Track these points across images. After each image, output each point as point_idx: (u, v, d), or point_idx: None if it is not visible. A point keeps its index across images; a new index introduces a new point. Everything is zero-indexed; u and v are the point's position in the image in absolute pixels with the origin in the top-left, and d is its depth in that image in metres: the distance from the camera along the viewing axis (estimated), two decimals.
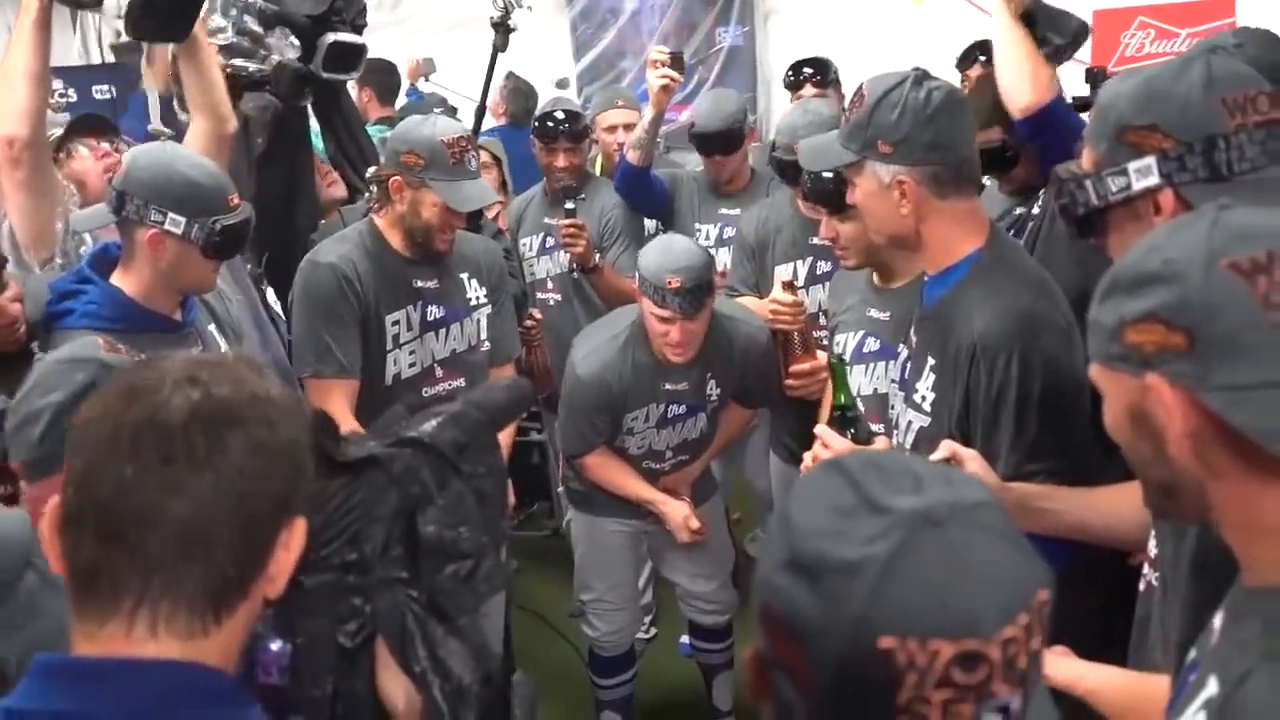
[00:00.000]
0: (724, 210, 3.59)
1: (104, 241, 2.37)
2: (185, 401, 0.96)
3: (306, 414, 1.07)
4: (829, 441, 1.84)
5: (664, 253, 2.76)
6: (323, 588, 1.11)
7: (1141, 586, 1.56)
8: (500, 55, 3.85)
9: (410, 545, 1.12)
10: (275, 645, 1.11)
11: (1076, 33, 2.70)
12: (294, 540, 1.02)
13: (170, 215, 2.18)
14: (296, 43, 3.12)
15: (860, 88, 1.92)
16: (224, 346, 2.45)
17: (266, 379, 1.04)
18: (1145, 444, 1.04)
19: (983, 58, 3.80)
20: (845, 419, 1.93)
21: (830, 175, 2.27)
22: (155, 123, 3.18)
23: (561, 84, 5.26)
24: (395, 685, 1.11)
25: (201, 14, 2.60)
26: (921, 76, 1.86)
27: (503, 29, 3.68)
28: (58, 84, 4.92)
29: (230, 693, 0.98)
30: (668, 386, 2.91)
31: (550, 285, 3.81)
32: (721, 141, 3.51)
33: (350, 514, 1.11)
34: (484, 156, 4.10)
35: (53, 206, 2.50)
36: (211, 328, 2.44)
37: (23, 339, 2.20)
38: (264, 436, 0.98)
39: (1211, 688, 0.98)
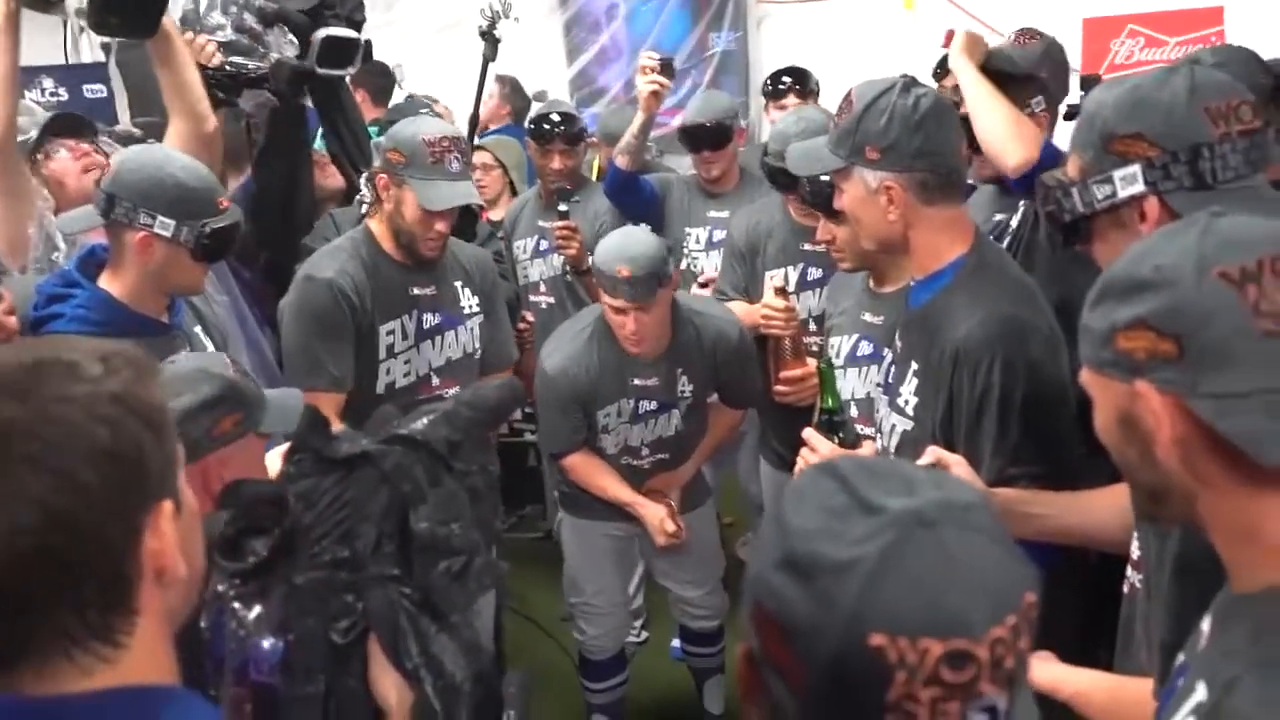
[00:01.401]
0: (713, 214, 3.59)
1: (90, 244, 2.34)
2: None
3: (140, 398, 0.91)
4: (816, 445, 1.84)
5: (616, 243, 2.81)
6: (314, 585, 1.11)
7: (1125, 589, 1.57)
8: (490, 63, 3.85)
9: (402, 542, 1.12)
10: (267, 643, 1.12)
11: (1055, 68, 2.59)
12: (162, 526, 0.91)
13: (160, 218, 2.16)
14: (294, 40, 3.11)
15: (849, 94, 1.93)
16: (211, 348, 2.43)
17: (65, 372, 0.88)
18: (1133, 449, 1.04)
19: None
20: (832, 423, 1.93)
21: (829, 179, 2.28)
22: (125, 123, 3.15)
23: (539, 96, 5.20)
24: (388, 682, 1.11)
25: (168, 10, 2.54)
26: (910, 83, 1.87)
27: (490, 39, 3.68)
28: (48, 83, 4.90)
29: (157, 697, 0.92)
30: (636, 382, 2.92)
31: (543, 288, 3.82)
32: (710, 136, 3.51)
33: (342, 511, 1.11)
34: (486, 158, 4.11)
35: (27, 211, 2.45)
36: (198, 329, 2.43)
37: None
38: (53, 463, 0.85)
39: (1200, 693, 0.98)
